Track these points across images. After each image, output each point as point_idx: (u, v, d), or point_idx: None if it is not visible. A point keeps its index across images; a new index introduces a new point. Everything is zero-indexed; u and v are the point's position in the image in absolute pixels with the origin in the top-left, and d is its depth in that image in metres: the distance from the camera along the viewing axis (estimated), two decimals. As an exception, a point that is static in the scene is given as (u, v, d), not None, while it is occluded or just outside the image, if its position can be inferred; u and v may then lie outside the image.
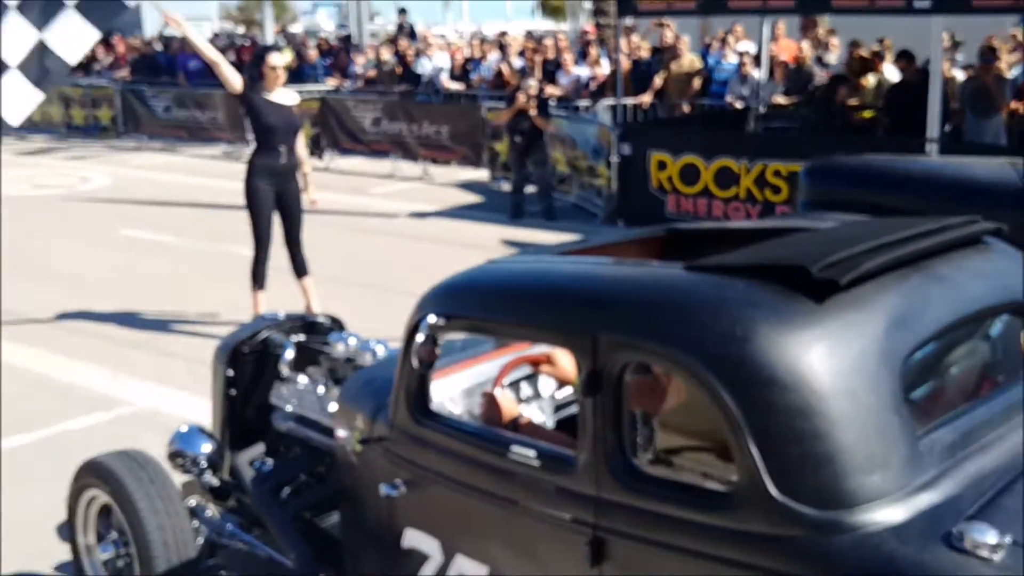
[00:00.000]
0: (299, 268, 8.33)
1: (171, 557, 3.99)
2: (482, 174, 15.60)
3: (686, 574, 2.58)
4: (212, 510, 4.51)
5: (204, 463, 4.41)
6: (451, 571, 3.23)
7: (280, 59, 8.17)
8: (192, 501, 4.43)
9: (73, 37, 6.78)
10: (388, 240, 11.71)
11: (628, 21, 15.31)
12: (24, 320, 8.72)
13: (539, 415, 3.82)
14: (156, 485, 4.10)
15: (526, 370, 3.86)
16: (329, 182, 14.92)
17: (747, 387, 2.49)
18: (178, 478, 4.38)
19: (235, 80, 7.93)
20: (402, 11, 20.27)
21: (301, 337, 4.76)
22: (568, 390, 3.92)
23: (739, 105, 13.74)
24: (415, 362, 3.24)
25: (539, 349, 3.79)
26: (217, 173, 16.24)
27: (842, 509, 2.39)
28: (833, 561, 2.35)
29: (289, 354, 4.59)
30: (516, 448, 2.99)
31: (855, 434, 2.44)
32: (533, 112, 12.34)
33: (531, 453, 2.94)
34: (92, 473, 4.25)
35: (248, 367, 4.74)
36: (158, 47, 22.72)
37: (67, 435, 6.31)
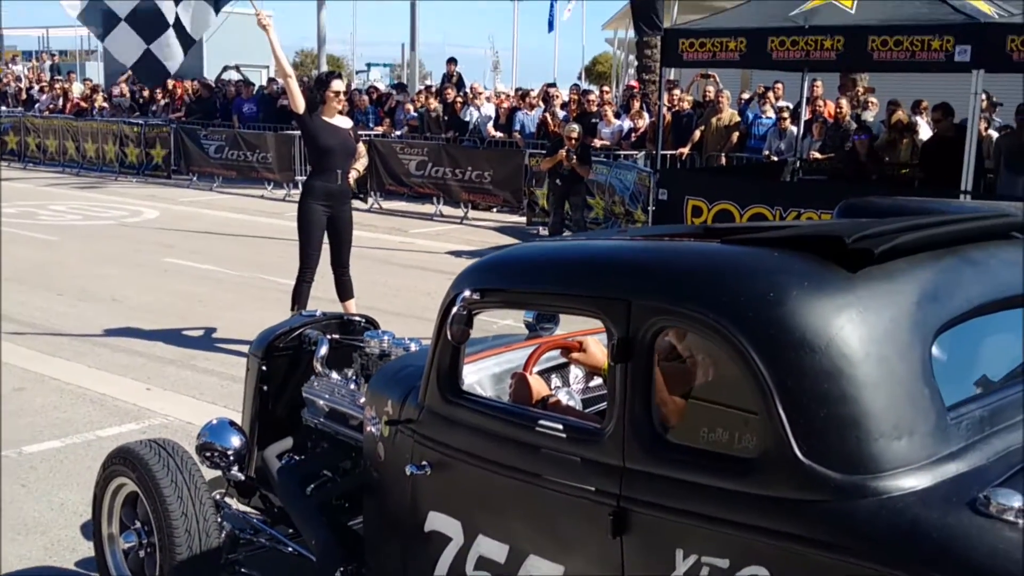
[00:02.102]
0: (345, 291, 8.49)
1: (194, 548, 3.97)
2: (521, 219, 15.84)
3: (709, 542, 2.56)
4: (237, 504, 4.54)
5: (232, 457, 4.34)
6: (472, 553, 3.20)
7: (342, 85, 8.44)
8: (218, 495, 4.38)
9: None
10: (425, 275, 11.90)
11: (671, 75, 15.56)
12: (66, 335, 8.99)
13: (568, 401, 3.76)
14: (184, 474, 4.09)
15: (557, 359, 3.88)
16: (373, 222, 15.22)
17: (777, 349, 2.49)
18: (207, 472, 4.36)
19: (300, 99, 8.15)
20: (452, 60, 20.63)
21: (336, 335, 4.75)
22: (598, 381, 3.93)
23: (775, 158, 13.88)
24: (449, 338, 3.23)
25: (570, 336, 3.83)
26: (263, 211, 16.63)
27: (867, 474, 2.38)
28: (857, 525, 2.34)
29: (323, 350, 4.55)
30: (544, 422, 3.00)
31: (883, 400, 2.44)
32: (574, 156, 12.56)
33: (558, 426, 2.96)
34: (121, 460, 4.26)
35: (282, 362, 4.73)
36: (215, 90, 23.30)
37: (97, 441, 6.45)
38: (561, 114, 16.94)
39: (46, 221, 15.87)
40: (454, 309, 3.21)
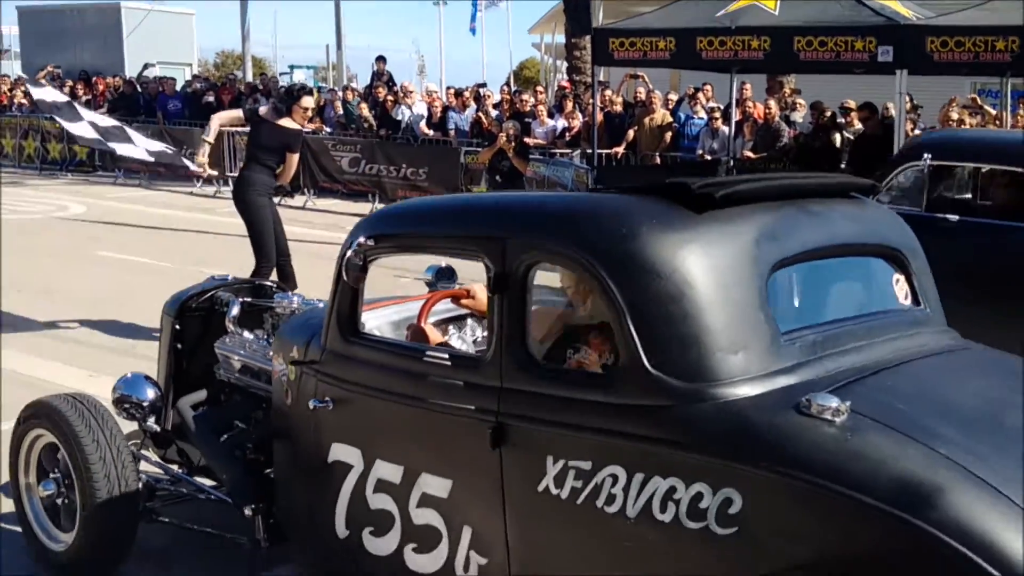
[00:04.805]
0: (289, 280, 8.54)
1: (112, 493, 4.13)
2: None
3: (575, 448, 2.93)
4: (153, 455, 4.74)
5: (147, 408, 4.52)
6: (371, 477, 3.49)
7: (311, 102, 8.92)
8: (134, 446, 4.54)
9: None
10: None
11: (601, 77, 15.76)
12: (5, 325, 8.84)
13: (461, 346, 4.16)
14: (100, 424, 4.24)
15: (453, 311, 4.23)
16: (308, 218, 15.12)
17: (629, 276, 2.89)
18: (124, 428, 4.49)
19: (236, 117, 9.14)
20: (381, 58, 20.58)
21: (248, 298, 4.99)
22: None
23: (709, 157, 14.15)
24: (345, 280, 3.58)
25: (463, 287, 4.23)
26: (194, 206, 16.45)
27: (707, 382, 2.78)
28: (697, 425, 2.73)
29: (235, 310, 4.76)
30: (430, 352, 3.41)
31: (721, 320, 2.83)
32: (511, 153, 12.65)
33: (444, 355, 3.36)
34: (38, 413, 4.41)
35: (195, 322, 4.97)
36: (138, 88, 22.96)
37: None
38: (494, 113, 17.04)
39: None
40: (349, 253, 3.55)
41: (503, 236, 3.19)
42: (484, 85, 19.79)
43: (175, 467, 4.75)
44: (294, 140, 8.68)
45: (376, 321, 4.07)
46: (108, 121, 8.69)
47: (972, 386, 3.11)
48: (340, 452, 3.61)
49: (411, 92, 18.51)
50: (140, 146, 9.17)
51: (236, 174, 9.53)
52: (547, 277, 3.29)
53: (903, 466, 2.50)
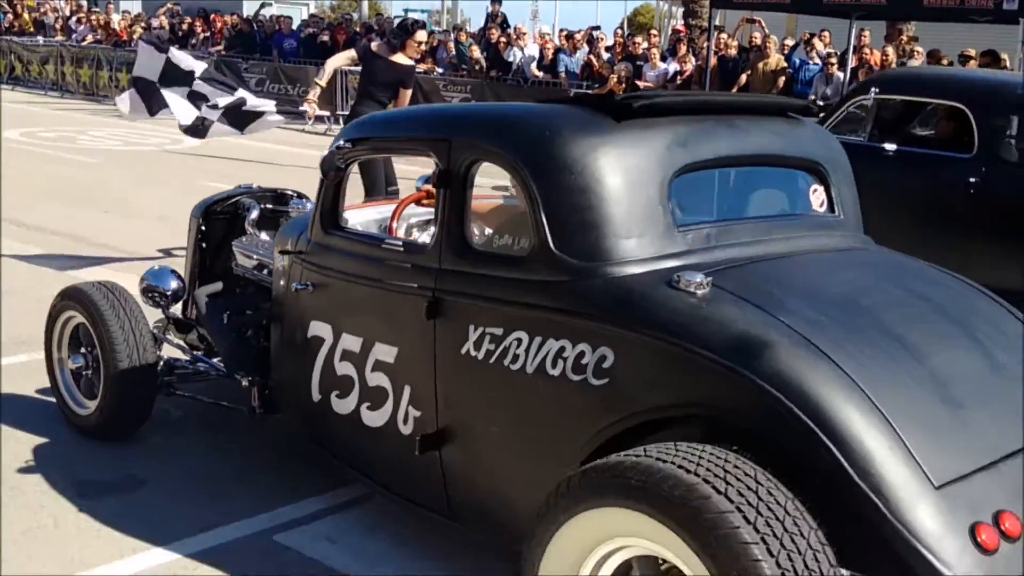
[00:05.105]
0: None
1: (134, 366, 4.75)
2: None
3: (490, 317, 3.44)
4: (176, 339, 5.35)
5: (170, 297, 5.18)
6: (338, 349, 4.06)
7: (424, 36, 8.99)
8: (156, 330, 5.19)
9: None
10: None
11: (717, 20, 15.45)
12: (115, 249, 9.14)
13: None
14: (126, 309, 4.85)
15: (423, 215, 4.70)
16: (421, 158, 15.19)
17: (544, 172, 3.34)
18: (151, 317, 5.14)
19: (350, 58, 9.10)
20: (495, 1, 20.51)
21: (269, 205, 5.51)
22: None
23: (822, 103, 13.79)
24: (328, 180, 4.15)
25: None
26: (306, 143, 16.66)
27: (600, 262, 3.23)
28: (586, 296, 3.22)
29: (254, 214, 5.31)
30: (388, 240, 4.00)
31: (619, 212, 3.26)
32: (624, 84, 12.49)
33: (398, 243, 3.94)
34: (71, 297, 5.03)
35: (219, 224, 5.53)
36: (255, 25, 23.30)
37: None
38: (606, 56, 16.85)
39: (86, 145, 15.99)
40: (328, 156, 4.14)
41: (448, 138, 3.67)
42: (597, 28, 19.54)
43: (194, 350, 5.31)
44: (407, 75, 8.72)
45: (359, 219, 4.62)
46: (225, 98, 8.47)
47: (847, 275, 3.56)
48: (316, 328, 4.17)
49: (523, 34, 18.42)
50: (262, 107, 8.92)
51: (347, 112, 9.57)
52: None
53: (740, 328, 2.95)
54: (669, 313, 3.05)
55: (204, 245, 5.48)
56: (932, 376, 3.01)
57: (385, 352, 3.84)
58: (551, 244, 3.28)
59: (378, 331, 3.88)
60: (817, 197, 3.90)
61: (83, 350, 5.00)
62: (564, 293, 3.25)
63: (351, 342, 3.98)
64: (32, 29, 28.12)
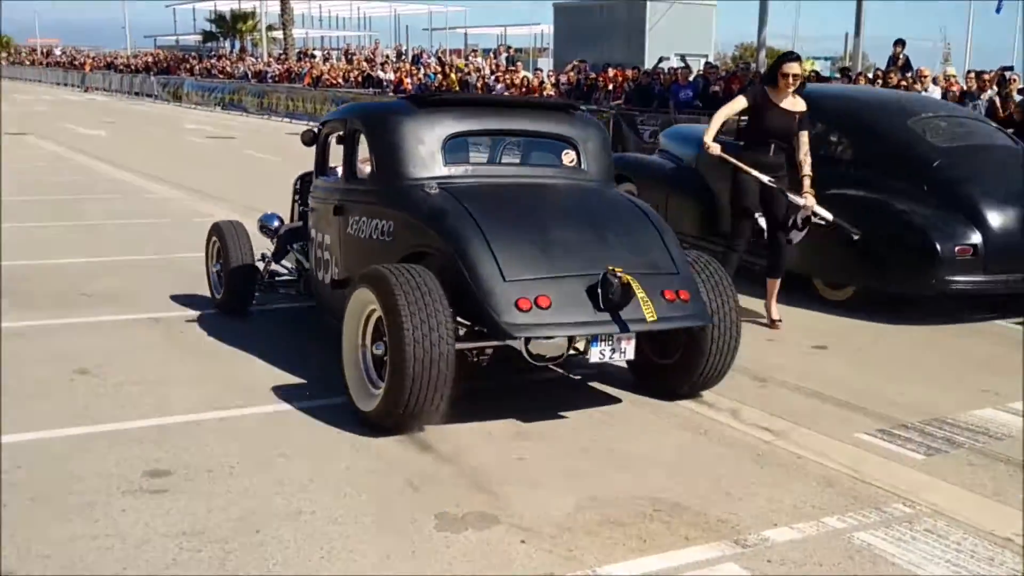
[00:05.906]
0: (774, 265, 8.54)
1: (239, 267, 8.01)
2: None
3: (356, 210, 6.52)
4: (273, 255, 8.39)
5: (273, 230, 8.35)
6: (315, 240, 7.23)
7: (796, 68, 8.24)
8: (261, 255, 8.26)
9: None
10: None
11: None
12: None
13: None
14: (239, 236, 8.17)
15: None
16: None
17: (376, 134, 6.46)
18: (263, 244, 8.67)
19: (739, 108, 8.44)
20: (899, 41, 19.63)
21: None
22: None
23: None
24: (307, 145, 7.43)
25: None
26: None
27: (398, 179, 6.19)
28: (389, 196, 6.21)
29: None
30: (331, 179, 7.15)
31: (409, 154, 6.19)
32: None
33: (333, 179, 7.10)
34: (213, 229, 8.44)
35: (307, 185, 7.94)
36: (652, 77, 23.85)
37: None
38: (1018, 98, 15.67)
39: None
40: (306, 131, 7.49)
41: (345, 118, 7.00)
42: (1010, 68, 18.21)
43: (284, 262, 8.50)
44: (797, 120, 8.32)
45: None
46: None
47: (543, 192, 6.33)
48: (314, 233, 7.30)
49: (924, 76, 17.58)
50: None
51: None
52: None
53: (439, 206, 5.84)
54: (414, 202, 6.00)
55: (297, 199, 8.30)
56: (543, 237, 5.63)
57: (327, 238, 6.95)
58: (376, 171, 6.43)
59: (325, 227, 6.98)
60: (568, 157, 6.75)
61: (221, 260, 8.24)
62: (380, 196, 6.28)
63: (321, 237, 7.09)
64: (458, 88, 30.46)
